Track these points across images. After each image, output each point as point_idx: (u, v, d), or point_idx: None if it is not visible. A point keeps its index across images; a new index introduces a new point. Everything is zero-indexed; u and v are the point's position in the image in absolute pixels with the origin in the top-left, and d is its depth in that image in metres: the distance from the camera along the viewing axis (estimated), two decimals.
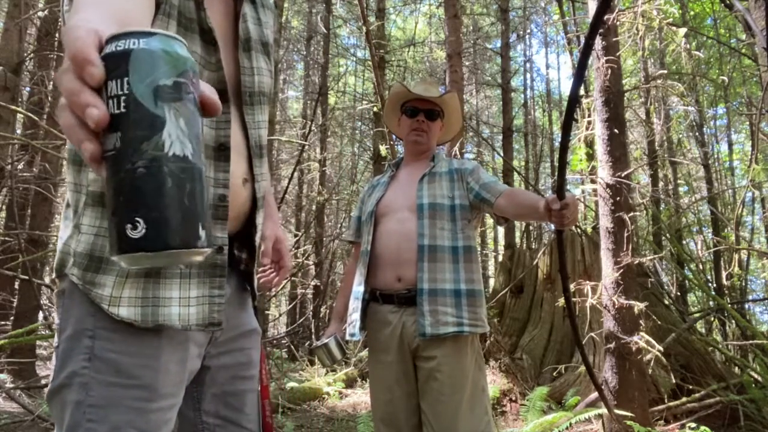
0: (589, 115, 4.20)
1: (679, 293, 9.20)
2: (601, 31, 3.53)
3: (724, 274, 7.48)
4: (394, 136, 5.53)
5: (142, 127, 0.41)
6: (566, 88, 21.00)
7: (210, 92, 0.49)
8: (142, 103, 0.41)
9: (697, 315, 6.50)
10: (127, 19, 0.65)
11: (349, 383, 5.60)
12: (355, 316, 1.86)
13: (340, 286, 2.14)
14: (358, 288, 1.87)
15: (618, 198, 3.45)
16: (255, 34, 1.02)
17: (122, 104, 0.41)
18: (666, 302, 5.79)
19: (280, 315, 13.54)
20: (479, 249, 1.99)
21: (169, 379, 0.87)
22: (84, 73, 0.42)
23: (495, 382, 4.74)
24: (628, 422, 3.10)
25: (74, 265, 0.86)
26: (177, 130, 0.42)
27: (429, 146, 2.01)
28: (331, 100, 13.64)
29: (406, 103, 2.01)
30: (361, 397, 5.08)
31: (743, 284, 7.40)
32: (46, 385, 5.43)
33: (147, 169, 0.41)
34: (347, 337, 1.91)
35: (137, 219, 0.41)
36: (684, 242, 9.98)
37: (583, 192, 5.85)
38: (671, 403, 3.99)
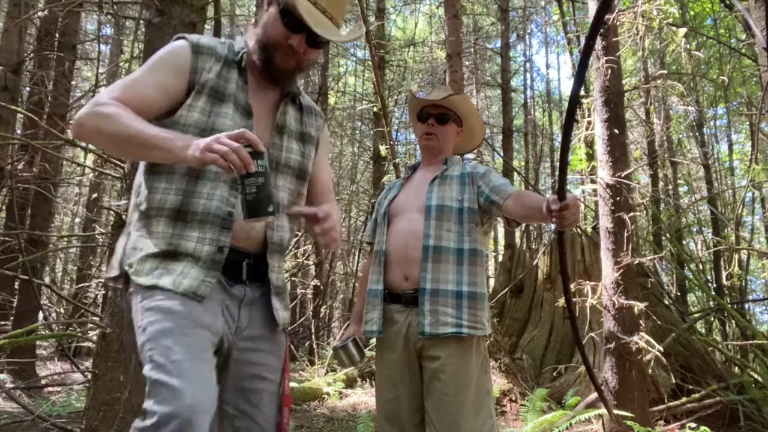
0: (589, 115, 4.20)
1: (679, 293, 9.20)
2: (601, 31, 3.53)
3: (724, 274, 7.48)
4: (394, 136, 5.53)
5: (263, 181, 1.12)
6: (566, 88, 21.02)
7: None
8: (266, 172, 1.13)
9: (697, 315, 6.51)
10: (141, 99, 1.22)
11: (349, 383, 5.59)
12: (374, 314, 1.87)
13: (357, 287, 2.16)
14: (377, 287, 1.89)
15: (618, 198, 3.45)
16: (294, 127, 1.41)
17: (260, 169, 1.12)
18: (666, 302, 5.79)
19: None
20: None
21: (203, 317, 1.16)
22: (241, 158, 1.10)
23: (495, 382, 4.74)
24: (628, 422, 3.10)
25: (127, 257, 1.25)
26: (269, 178, 1.14)
27: (441, 149, 2.03)
28: (331, 100, 13.64)
29: (422, 110, 2.05)
30: (361, 397, 5.08)
31: (743, 284, 7.39)
32: (46, 385, 5.43)
33: (256, 195, 1.11)
34: (365, 335, 1.93)
35: (251, 209, 1.12)
36: (684, 242, 9.98)
37: (583, 192, 5.85)
38: (671, 403, 4.00)
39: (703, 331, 7.87)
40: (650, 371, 3.69)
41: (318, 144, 1.47)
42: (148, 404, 1.02)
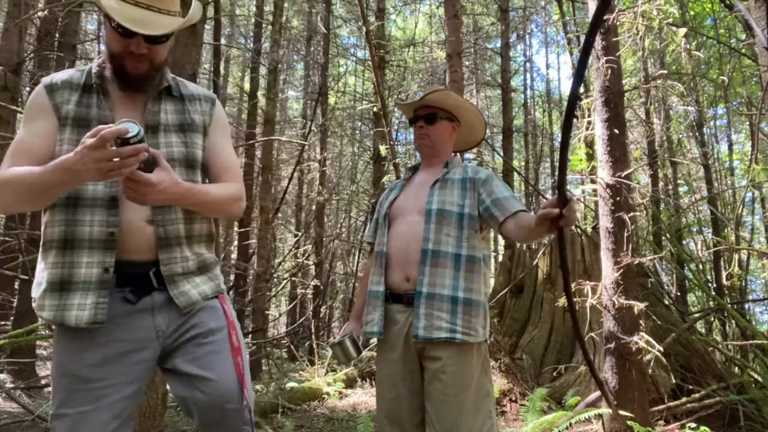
0: (589, 115, 4.20)
1: (679, 293, 9.20)
2: (601, 30, 3.53)
3: (724, 274, 7.47)
4: (394, 136, 5.53)
5: (147, 154, 1.17)
6: (566, 88, 21.00)
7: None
8: (145, 142, 1.17)
9: (697, 315, 6.50)
10: (34, 154, 1.28)
11: (349, 383, 5.59)
12: (374, 315, 1.87)
13: (357, 286, 2.16)
14: (378, 288, 1.89)
15: (618, 198, 3.45)
16: (171, 120, 1.42)
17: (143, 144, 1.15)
18: (666, 302, 5.79)
19: (280, 315, 13.54)
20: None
21: (94, 371, 1.28)
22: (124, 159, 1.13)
23: (495, 382, 4.73)
24: (628, 422, 3.10)
25: (33, 291, 1.36)
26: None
27: (436, 149, 2.01)
28: (331, 100, 13.63)
29: (414, 113, 2.06)
30: (361, 397, 5.08)
31: (743, 284, 7.39)
32: (46, 385, 5.43)
33: (146, 169, 1.19)
34: (365, 336, 1.93)
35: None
36: (684, 242, 9.97)
37: (583, 192, 5.85)
38: (671, 403, 3.99)
39: (703, 331, 7.86)
40: (650, 371, 3.69)
41: (207, 128, 1.47)
42: None
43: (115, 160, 1.10)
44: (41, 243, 1.35)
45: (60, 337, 1.33)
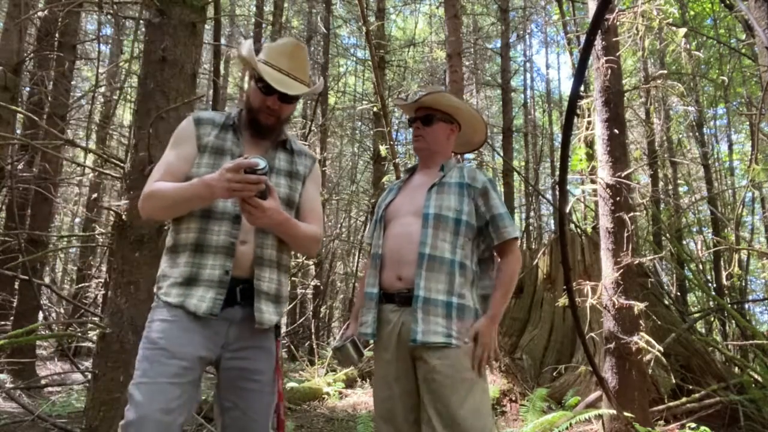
0: (589, 115, 4.20)
1: (679, 293, 9.20)
2: (601, 30, 3.53)
3: (724, 274, 7.47)
4: (394, 136, 5.53)
5: (265, 184, 1.48)
6: (566, 88, 21.02)
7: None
8: (267, 174, 1.48)
9: (697, 315, 6.50)
10: (176, 173, 1.61)
11: (349, 383, 5.59)
12: (368, 317, 1.88)
13: (357, 287, 2.17)
14: (372, 290, 1.90)
15: (618, 198, 3.45)
16: (283, 166, 1.75)
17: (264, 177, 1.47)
18: (666, 302, 5.79)
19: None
20: None
21: (180, 349, 1.48)
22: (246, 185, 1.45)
23: (495, 382, 4.73)
24: (627, 414, 3.10)
25: (157, 282, 1.64)
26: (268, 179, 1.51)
27: (431, 150, 2.02)
28: (331, 100, 13.64)
29: (414, 113, 2.06)
30: (361, 397, 5.08)
31: (743, 284, 7.40)
32: (46, 385, 5.43)
33: (261, 197, 1.49)
34: (361, 337, 1.93)
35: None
36: (684, 242, 9.98)
37: (583, 192, 5.85)
38: (671, 403, 3.99)
39: (703, 331, 7.87)
40: (650, 371, 3.69)
41: (305, 179, 1.81)
42: (126, 407, 1.45)
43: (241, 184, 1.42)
44: (170, 245, 1.64)
45: (162, 316, 1.54)
